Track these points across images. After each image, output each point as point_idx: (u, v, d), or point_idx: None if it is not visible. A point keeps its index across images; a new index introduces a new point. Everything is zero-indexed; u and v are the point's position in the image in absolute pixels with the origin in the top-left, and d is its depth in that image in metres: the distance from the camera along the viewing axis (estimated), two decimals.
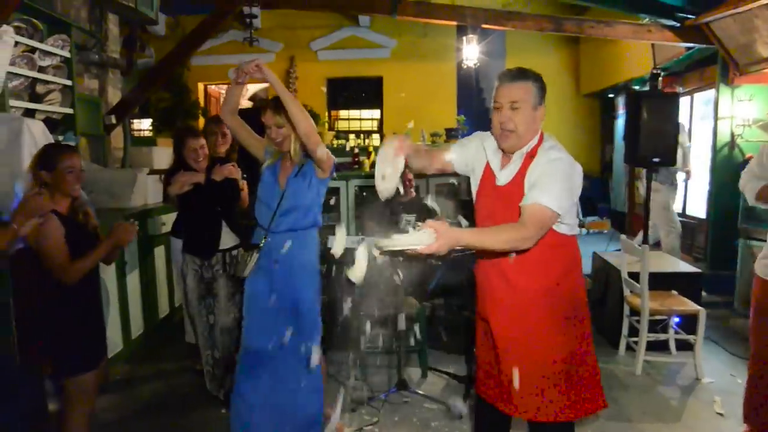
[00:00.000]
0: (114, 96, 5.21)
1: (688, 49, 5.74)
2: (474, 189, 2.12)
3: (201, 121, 9.08)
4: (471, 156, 2.10)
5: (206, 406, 3.17)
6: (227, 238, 3.17)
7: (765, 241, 2.61)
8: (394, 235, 1.65)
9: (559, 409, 1.90)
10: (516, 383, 1.91)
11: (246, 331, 2.60)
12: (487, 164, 2.03)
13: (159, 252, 4.35)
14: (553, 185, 1.78)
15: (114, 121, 5.00)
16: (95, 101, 4.85)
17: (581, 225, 3.88)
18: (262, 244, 2.53)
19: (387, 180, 1.94)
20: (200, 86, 10.08)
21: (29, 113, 3.54)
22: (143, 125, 10.15)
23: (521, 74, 1.88)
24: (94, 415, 2.42)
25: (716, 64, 5.43)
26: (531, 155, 1.89)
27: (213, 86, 10.64)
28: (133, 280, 3.94)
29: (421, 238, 1.61)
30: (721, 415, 3.07)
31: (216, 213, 3.15)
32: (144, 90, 5.27)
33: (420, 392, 3.27)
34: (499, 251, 1.85)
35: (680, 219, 6.58)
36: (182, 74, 8.94)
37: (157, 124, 9.19)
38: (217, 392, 3.17)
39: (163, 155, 5.62)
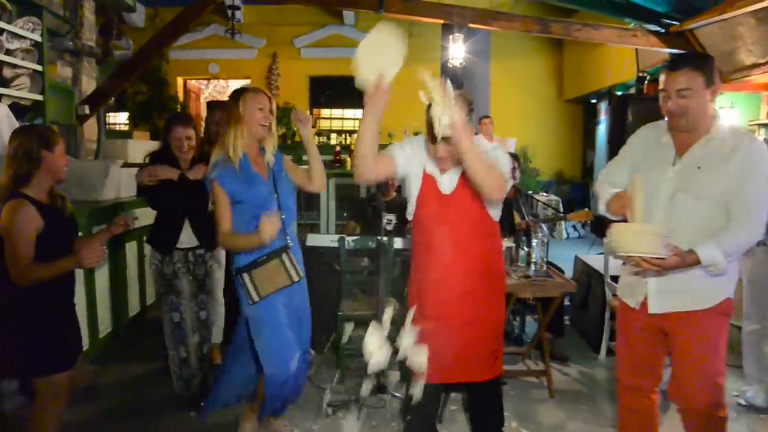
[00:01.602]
0: (88, 85, 5.03)
1: (672, 55, 5.77)
2: (413, 196, 2.18)
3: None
4: (407, 161, 2.18)
5: (176, 409, 3.03)
6: (186, 238, 3.00)
7: None
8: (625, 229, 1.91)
9: (499, 363, 2.32)
10: (476, 350, 2.22)
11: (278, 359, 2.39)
12: (425, 172, 2.15)
13: (130, 247, 4.19)
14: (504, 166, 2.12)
15: (87, 111, 4.81)
16: (68, 90, 4.66)
17: (563, 218, 3.83)
18: (290, 243, 2.43)
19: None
20: (179, 80, 9.88)
21: None
22: (119, 119, 9.91)
23: None
24: (60, 417, 2.27)
25: None
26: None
27: (192, 81, 10.44)
28: (102, 275, 3.77)
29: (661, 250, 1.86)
30: None
31: (181, 211, 2.98)
32: (120, 80, 5.07)
33: (399, 396, 3.18)
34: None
35: None
36: (160, 67, 8.74)
37: (134, 117, 8.97)
38: (183, 392, 3.04)
39: (138, 148, 5.45)
